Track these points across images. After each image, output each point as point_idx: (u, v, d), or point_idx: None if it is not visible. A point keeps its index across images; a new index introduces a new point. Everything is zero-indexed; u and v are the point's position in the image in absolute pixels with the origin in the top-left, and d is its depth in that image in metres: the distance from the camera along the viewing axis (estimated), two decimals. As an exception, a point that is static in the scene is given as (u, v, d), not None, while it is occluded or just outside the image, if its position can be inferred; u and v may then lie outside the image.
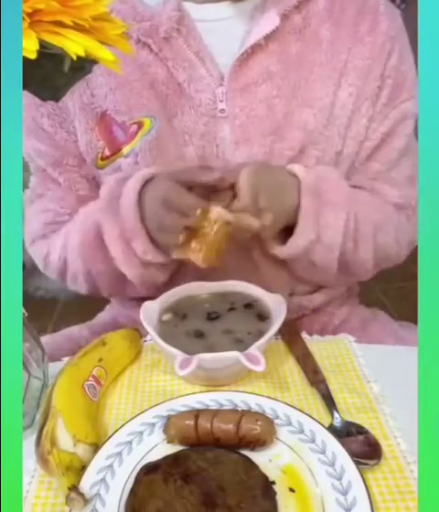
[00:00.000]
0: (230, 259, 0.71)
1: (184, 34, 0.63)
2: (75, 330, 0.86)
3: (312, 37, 0.64)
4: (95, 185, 0.74)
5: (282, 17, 0.62)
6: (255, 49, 0.63)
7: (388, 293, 1.87)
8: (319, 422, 0.50)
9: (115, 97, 0.65)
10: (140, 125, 0.65)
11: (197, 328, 0.59)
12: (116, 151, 0.67)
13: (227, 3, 0.66)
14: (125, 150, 0.66)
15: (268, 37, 0.62)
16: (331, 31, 0.65)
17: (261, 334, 0.56)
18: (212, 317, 0.61)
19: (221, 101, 0.64)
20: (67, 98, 0.66)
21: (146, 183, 0.62)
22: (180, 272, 0.73)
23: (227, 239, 0.57)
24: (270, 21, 0.62)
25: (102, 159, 0.69)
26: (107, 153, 0.68)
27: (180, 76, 0.63)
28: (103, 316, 0.90)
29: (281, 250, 0.64)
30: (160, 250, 0.62)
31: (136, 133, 0.65)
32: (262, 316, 0.60)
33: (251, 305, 0.63)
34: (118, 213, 0.62)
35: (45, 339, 0.64)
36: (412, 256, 0.70)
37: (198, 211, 0.55)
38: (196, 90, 0.64)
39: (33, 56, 0.32)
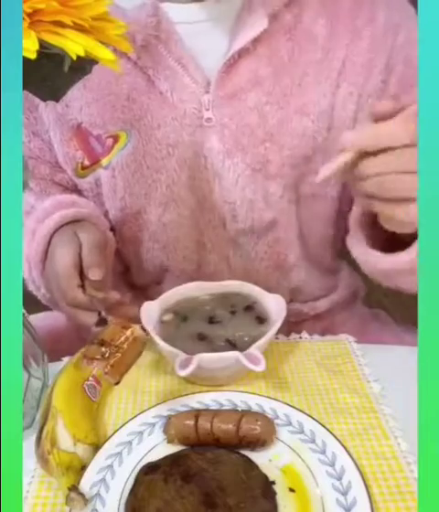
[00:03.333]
0: (229, 265, 0.71)
1: (163, 40, 0.58)
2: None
3: (305, 36, 0.60)
4: (70, 189, 0.72)
5: (270, 17, 0.57)
6: (242, 54, 0.58)
7: (390, 295, 1.86)
8: (319, 422, 0.50)
9: (90, 110, 0.63)
10: (115, 139, 0.63)
11: (199, 331, 0.59)
12: (95, 162, 0.65)
13: (211, 2, 0.60)
14: (104, 162, 0.64)
15: (256, 40, 0.58)
16: (326, 27, 0.61)
17: (260, 337, 0.55)
18: (213, 322, 0.60)
19: (207, 110, 0.60)
20: (41, 108, 0.65)
21: (72, 223, 0.61)
22: (179, 272, 0.72)
23: (139, 356, 0.52)
24: (257, 23, 0.57)
25: (83, 168, 0.67)
26: (87, 162, 0.66)
27: (162, 85, 0.60)
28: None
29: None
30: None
31: (112, 146, 0.63)
32: (261, 319, 0.60)
33: (250, 308, 0.62)
34: (34, 235, 0.62)
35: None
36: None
37: (111, 326, 0.51)
38: (180, 99, 0.60)
39: (33, 56, 0.32)
